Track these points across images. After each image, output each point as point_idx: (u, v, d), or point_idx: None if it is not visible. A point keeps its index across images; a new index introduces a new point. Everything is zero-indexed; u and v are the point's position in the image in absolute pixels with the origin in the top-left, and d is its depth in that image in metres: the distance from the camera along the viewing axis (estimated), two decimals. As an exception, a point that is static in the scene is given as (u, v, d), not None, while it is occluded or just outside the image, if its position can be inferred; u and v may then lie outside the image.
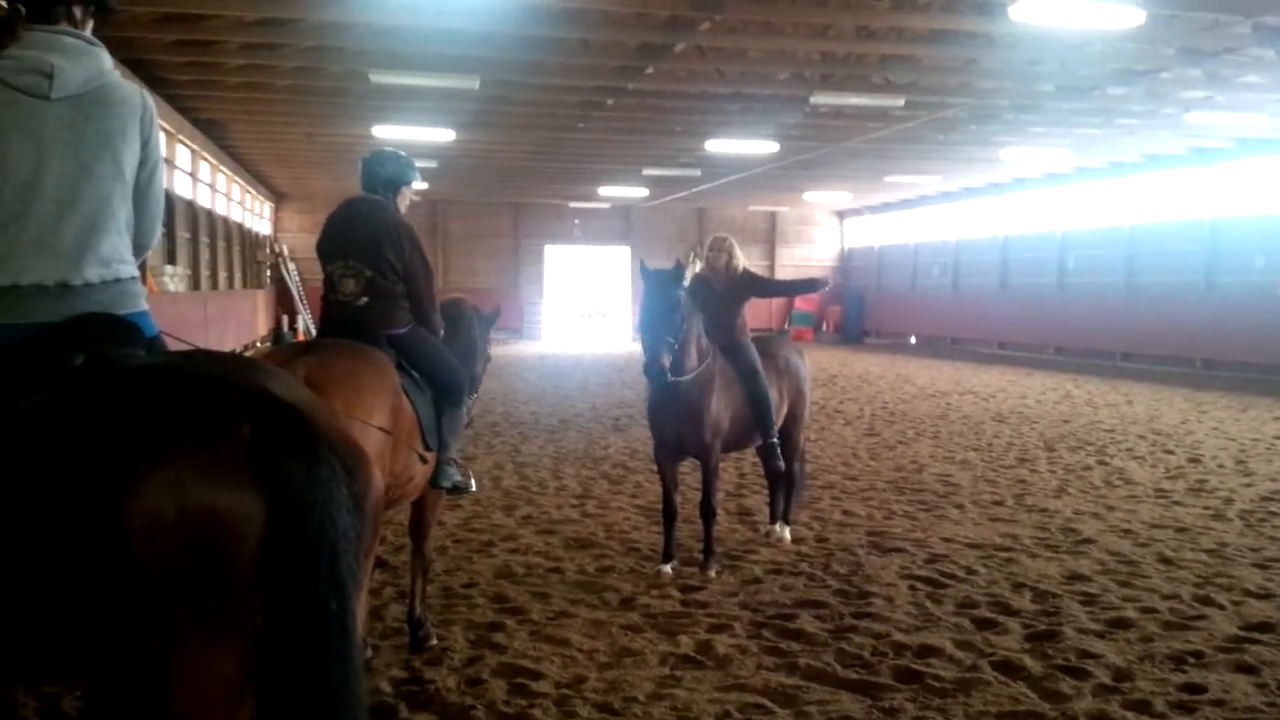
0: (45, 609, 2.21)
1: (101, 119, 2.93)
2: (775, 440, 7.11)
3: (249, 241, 30.45)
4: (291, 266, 33.34)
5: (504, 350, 23.55)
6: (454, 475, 5.05)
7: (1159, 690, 4.60)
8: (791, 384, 7.38)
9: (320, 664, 2.17)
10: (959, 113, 18.52)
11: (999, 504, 8.63)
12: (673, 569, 6.50)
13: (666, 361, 6.24)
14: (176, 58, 15.01)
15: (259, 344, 26.33)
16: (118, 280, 2.96)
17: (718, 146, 21.64)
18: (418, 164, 5.56)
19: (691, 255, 31.59)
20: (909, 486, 9.37)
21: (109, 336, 2.83)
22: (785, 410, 7.32)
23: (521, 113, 19.41)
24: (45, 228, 2.87)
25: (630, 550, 7.06)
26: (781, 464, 7.21)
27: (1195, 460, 10.85)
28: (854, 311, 37.06)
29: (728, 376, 6.79)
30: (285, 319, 31.78)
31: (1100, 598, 5.95)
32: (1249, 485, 9.46)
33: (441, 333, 5.22)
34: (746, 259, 7.58)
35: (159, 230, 3.21)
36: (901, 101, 17.01)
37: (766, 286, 7.90)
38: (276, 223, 35.37)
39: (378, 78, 14.94)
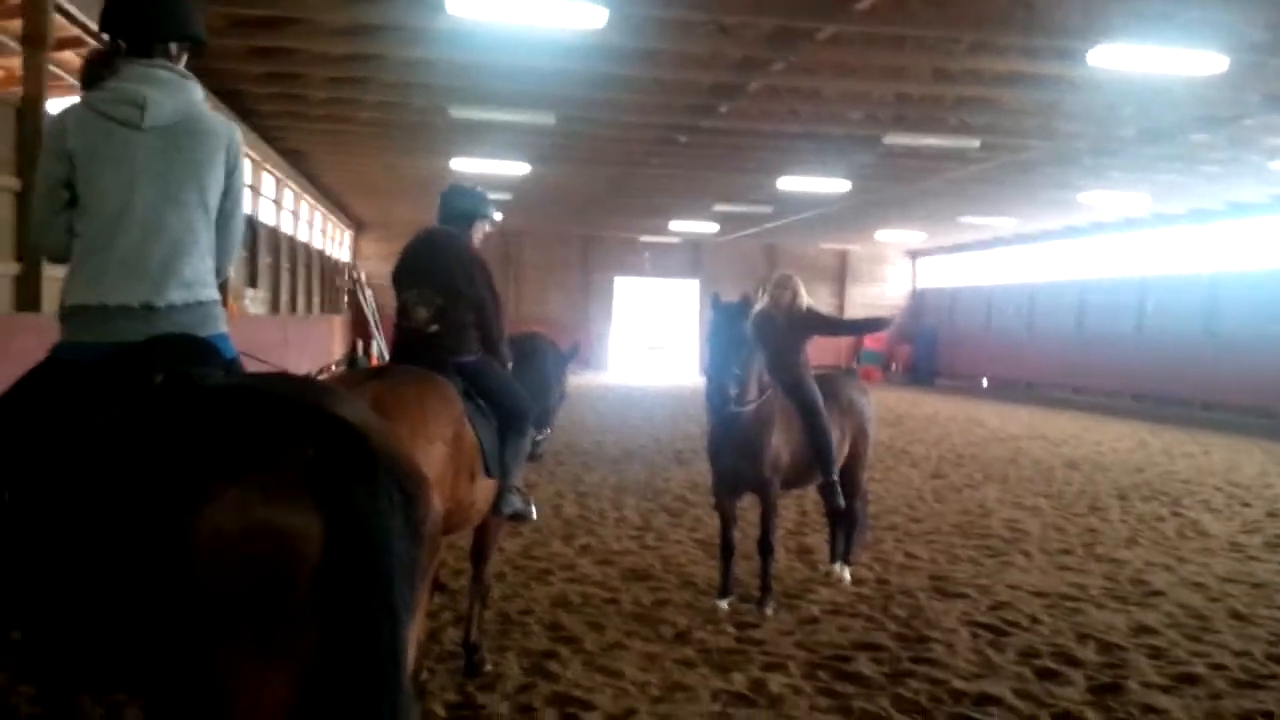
0: (113, 619, 2.30)
1: (190, 149, 3.08)
2: (835, 479, 7.07)
3: (328, 268, 31.15)
4: (368, 292, 33.99)
5: (572, 380, 23.62)
6: (515, 502, 5.13)
7: (1225, 750, 4.47)
8: (854, 423, 7.34)
9: (371, 691, 2.21)
10: (1036, 155, 18.32)
11: (1067, 552, 8.46)
12: (729, 605, 6.49)
13: (732, 392, 6.27)
14: (265, 89, 15.54)
15: (334, 367, 26.86)
16: (200, 303, 3.09)
17: (789, 184, 21.66)
18: (493, 196, 5.75)
19: (760, 290, 31.50)
20: (975, 531, 9.23)
21: (189, 356, 2.96)
22: (847, 449, 7.28)
23: (595, 148, 19.66)
24: (132, 251, 3.01)
25: (687, 584, 7.06)
26: (842, 502, 7.17)
27: (1273, 514, 10.51)
28: (924, 352, 36.60)
29: (788, 413, 6.79)
30: (360, 344, 32.37)
31: (1168, 652, 5.80)
32: (1331, 543, 9.14)
33: (510, 364, 5.31)
34: (816, 297, 7.60)
35: (235, 256, 3.35)
36: (977, 143, 16.89)
37: (830, 325, 7.89)
38: (355, 250, 36.15)
39: (457, 113, 15.30)
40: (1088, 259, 30.28)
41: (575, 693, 4.92)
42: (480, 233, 5.47)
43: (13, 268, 9.10)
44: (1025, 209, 26.18)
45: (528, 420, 5.19)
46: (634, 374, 34.00)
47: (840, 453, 7.14)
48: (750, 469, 6.61)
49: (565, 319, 35.81)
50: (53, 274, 8.98)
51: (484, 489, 4.89)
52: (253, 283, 20.47)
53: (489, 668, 5.18)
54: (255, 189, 20.70)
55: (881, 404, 22.91)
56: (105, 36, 3.25)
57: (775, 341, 6.98)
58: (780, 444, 6.68)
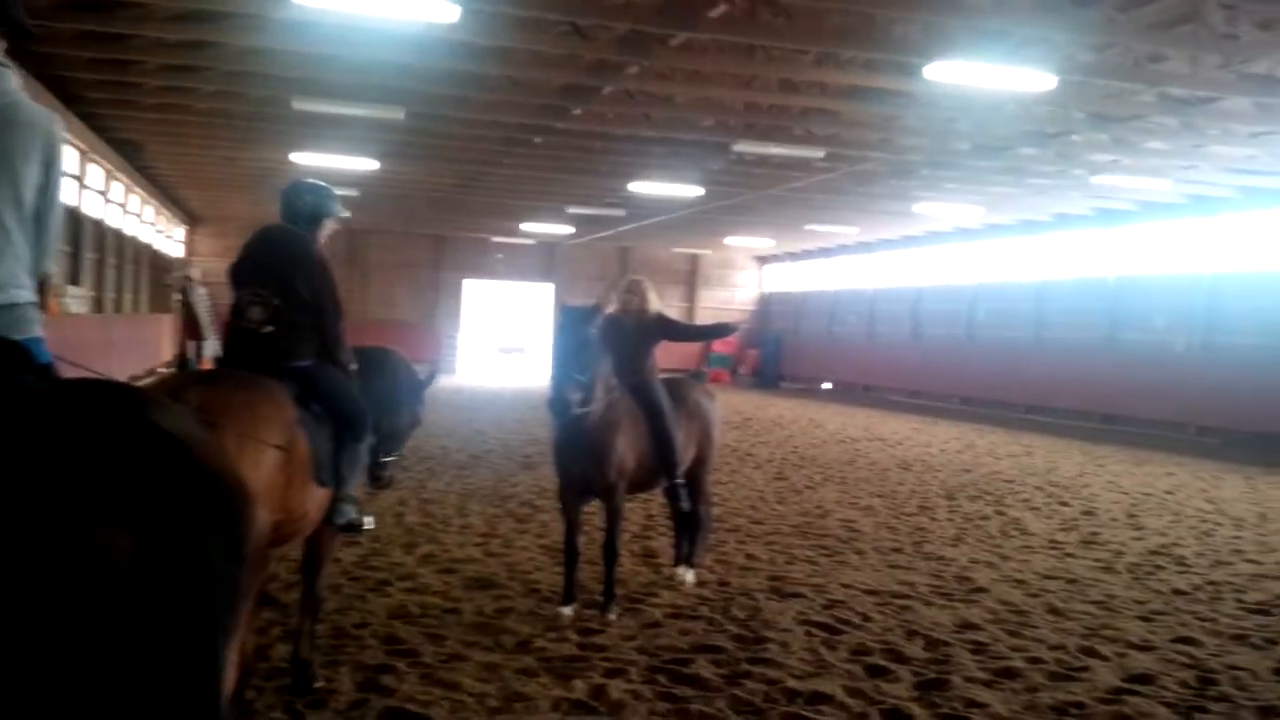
0: None
1: (2, 139, 2.86)
2: (681, 481, 7.13)
3: (159, 264, 29.76)
4: (202, 291, 32.56)
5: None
6: (350, 512, 4.96)
7: (1039, 740, 4.69)
8: (700, 426, 7.41)
9: (185, 710, 2.10)
10: (877, 167, 19.00)
11: (898, 551, 8.76)
12: (572, 611, 6.45)
13: (573, 397, 6.24)
14: (94, 76, 14.73)
15: (162, 369, 25.64)
16: (13, 305, 2.88)
17: (642, 188, 21.85)
18: (340, 192, 5.52)
19: (612, 294, 31.66)
20: (813, 531, 9.47)
21: None
22: (693, 452, 7.35)
23: (446, 145, 19.38)
24: None
25: (531, 591, 7.00)
26: (686, 505, 7.23)
27: (1089, 513, 11.16)
28: (771, 356, 37.50)
29: (634, 417, 6.80)
30: (192, 345, 30.98)
31: (990, 647, 6.06)
32: (1139, 539, 9.75)
33: (352, 369, 5.12)
34: (667, 301, 7.64)
35: (53, 255, 3.13)
36: (822, 153, 17.39)
37: (677, 331, 7.91)
38: (190, 246, 34.66)
39: (300, 105, 14.80)
40: (924, 267, 31.60)
41: (410, 707, 4.79)
42: (326, 232, 5.23)
43: None
44: (866, 218, 27.12)
45: (365, 428, 5.01)
46: (484, 377, 33.64)
47: (685, 456, 7.20)
48: (596, 473, 6.59)
49: (414, 319, 35.20)
50: None
51: (316, 498, 4.71)
52: (75, 280, 19.39)
53: (319, 684, 5.00)
54: (81, 180, 19.60)
55: (729, 407, 23.35)
56: None
57: (622, 345, 6.98)
58: (626, 448, 6.68)
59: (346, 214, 5.50)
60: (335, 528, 4.99)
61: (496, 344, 39.78)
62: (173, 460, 2.20)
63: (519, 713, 4.80)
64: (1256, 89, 12.82)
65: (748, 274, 40.96)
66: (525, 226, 32.12)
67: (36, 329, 2.95)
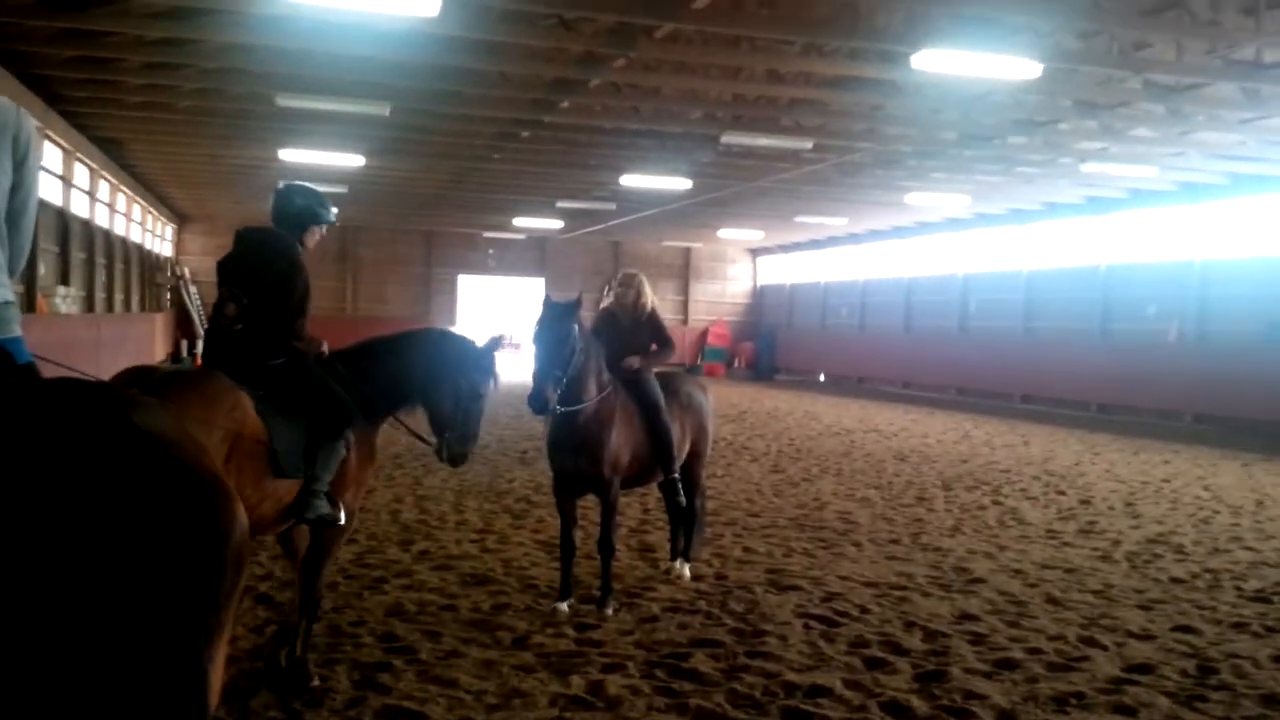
0: None
1: None
2: (677, 476, 7.09)
3: (148, 263, 29.60)
4: (193, 289, 32.49)
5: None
6: (321, 507, 4.91)
7: (1041, 731, 4.66)
8: (694, 420, 7.37)
9: (169, 714, 2.05)
10: (865, 157, 18.98)
11: (895, 542, 8.74)
12: (569, 606, 6.41)
13: (552, 395, 6.18)
14: (75, 74, 14.60)
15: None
16: None
17: (632, 181, 21.78)
18: (327, 189, 5.55)
19: (605, 288, 31.65)
20: (810, 524, 9.43)
21: None
22: (688, 446, 7.31)
23: (434, 141, 19.29)
24: None
25: (528, 587, 6.95)
26: (683, 500, 7.19)
27: (1086, 502, 11.15)
28: (765, 348, 37.50)
29: (629, 411, 6.75)
30: (185, 343, 30.92)
31: (989, 638, 6.03)
32: (1136, 528, 9.74)
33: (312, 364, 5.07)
34: (661, 294, 7.58)
35: (27, 254, 3.07)
36: (810, 144, 17.35)
37: (661, 336, 7.63)
38: (178, 245, 34.49)
39: (284, 101, 14.69)
40: (914, 258, 31.60)
41: (408, 705, 4.75)
42: (315, 238, 5.28)
43: None
44: (855, 209, 27.11)
45: (340, 424, 4.94)
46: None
47: (681, 450, 7.16)
48: (590, 468, 6.54)
49: (406, 316, 35.09)
50: None
51: (276, 490, 4.67)
52: (64, 280, 19.25)
53: (315, 683, 4.95)
54: (67, 180, 19.46)
55: (724, 400, 23.38)
56: None
57: (617, 340, 6.93)
58: (620, 443, 6.64)
59: (333, 219, 5.51)
60: (306, 523, 4.95)
61: (490, 339, 39.64)
62: (152, 460, 2.15)
63: (517, 709, 4.75)
64: (1242, 74, 12.82)
65: (741, 266, 40.93)
66: (516, 221, 32.03)
67: (15, 329, 2.90)
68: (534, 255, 38.28)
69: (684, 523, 7.39)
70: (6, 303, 2.89)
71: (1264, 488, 12.65)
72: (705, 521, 7.94)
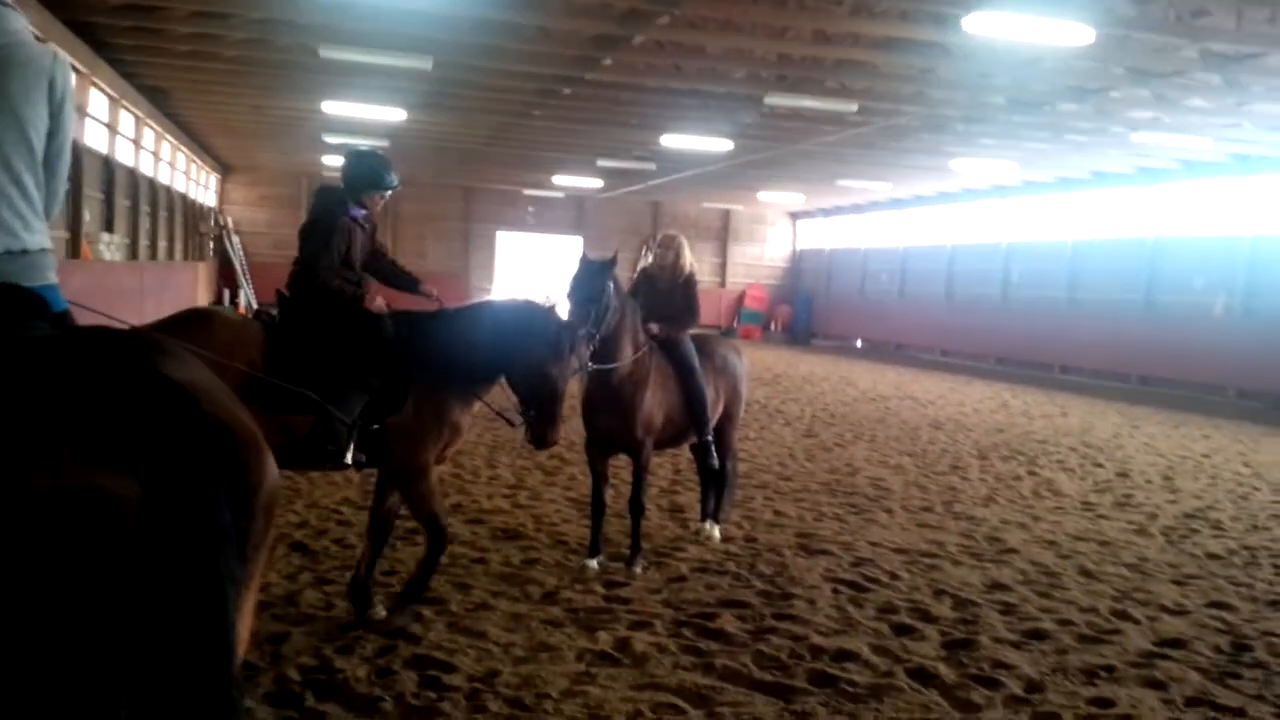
0: None
1: (3, 81, 2.79)
2: (710, 438, 7.08)
3: (192, 212, 29.86)
4: (235, 239, 32.75)
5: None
6: (329, 448, 5.07)
7: (1068, 703, 4.63)
8: (728, 383, 7.35)
9: (193, 664, 2.07)
10: (911, 121, 18.67)
11: (928, 510, 8.70)
12: (598, 564, 6.45)
13: (582, 352, 6.16)
14: (122, 21, 14.64)
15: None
16: (25, 252, 2.84)
17: (673, 141, 21.60)
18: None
19: (643, 249, 31.58)
20: (841, 489, 9.41)
21: (11, 309, 2.72)
22: (721, 409, 7.30)
23: (475, 96, 19.22)
24: None
25: (558, 543, 7.00)
26: (715, 462, 7.19)
27: (1123, 475, 11.03)
28: (802, 313, 37.29)
29: (663, 373, 6.75)
30: (227, 292, 31.26)
31: (1019, 608, 6.00)
32: (1173, 502, 9.62)
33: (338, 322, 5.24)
34: (699, 256, 7.52)
35: (62, 199, 3.09)
36: (855, 107, 17.09)
37: (689, 303, 7.53)
38: (222, 194, 34.75)
39: (327, 53, 14.67)
40: (958, 225, 31.17)
41: (437, 654, 4.81)
42: (376, 201, 5.56)
43: None
44: (899, 173, 26.75)
45: (343, 381, 5.02)
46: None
47: (714, 412, 7.15)
48: (623, 428, 6.55)
49: (445, 271, 35.23)
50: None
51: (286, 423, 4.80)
52: (109, 227, 19.46)
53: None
54: (113, 127, 19.62)
55: (759, 363, 23.29)
56: None
57: (655, 301, 6.92)
58: (654, 404, 6.64)
59: (394, 184, 5.63)
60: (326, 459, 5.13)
61: (528, 296, 39.71)
62: (180, 408, 2.15)
63: (544, 662, 4.80)
64: (1304, 45, 12.44)
65: (780, 229, 40.60)
66: (556, 179, 31.94)
67: (51, 275, 2.91)
68: (572, 214, 38.19)
69: (715, 484, 7.40)
70: (42, 249, 2.91)
71: (1307, 467, 12.46)
72: (736, 484, 7.95)
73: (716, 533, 7.30)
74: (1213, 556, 7.55)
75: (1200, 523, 8.72)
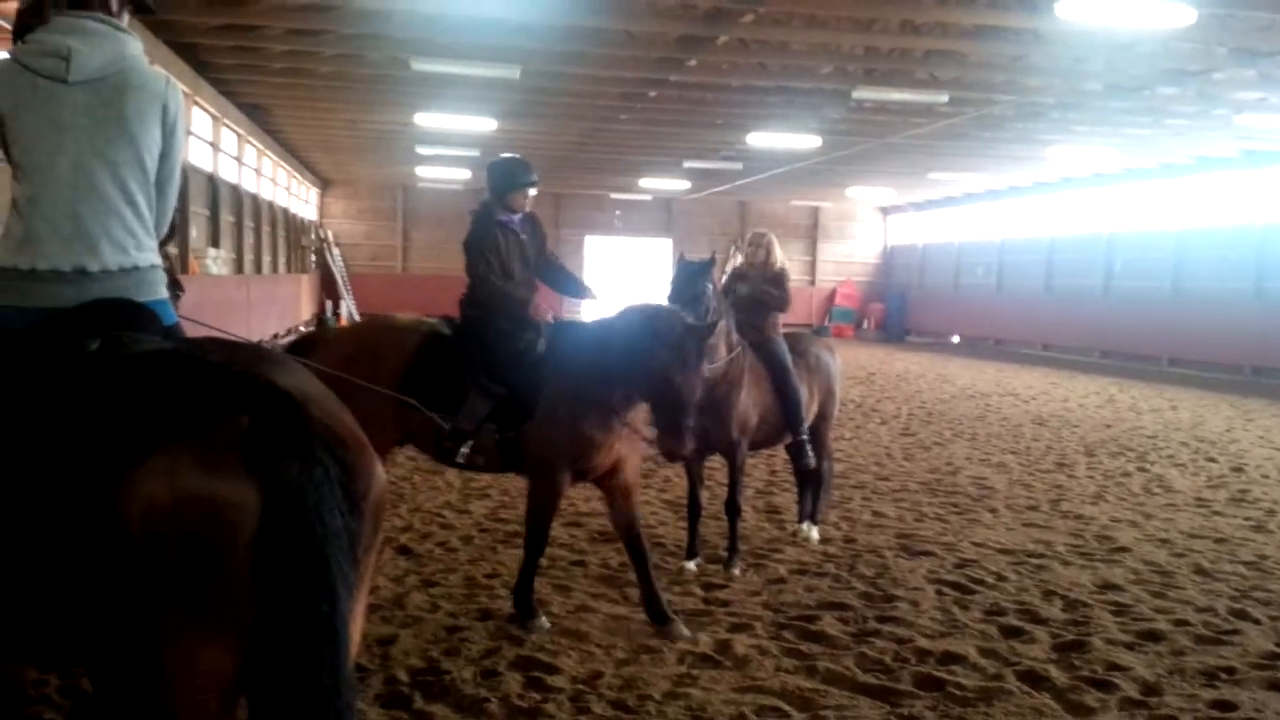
0: (49, 592, 2.21)
1: (120, 104, 2.91)
2: (805, 438, 7.03)
3: (294, 226, 30.72)
4: (336, 252, 33.60)
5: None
6: (448, 449, 5.35)
7: (1188, 706, 4.48)
8: (822, 382, 7.28)
9: (308, 667, 2.13)
10: (1004, 110, 18.25)
11: (1034, 509, 8.49)
12: (696, 566, 6.45)
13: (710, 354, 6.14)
14: (222, 42, 15.16)
15: (301, 328, 26.59)
16: (136, 268, 2.96)
17: (759, 140, 21.50)
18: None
19: (732, 249, 31.47)
20: (942, 489, 9.24)
21: (125, 322, 2.84)
22: (815, 408, 7.24)
23: (563, 103, 19.40)
24: (62, 213, 2.87)
25: (655, 545, 6.99)
26: (811, 462, 7.13)
27: (1238, 469, 10.61)
28: (895, 309, 36.73)
29: (757, 373, 6.72)
30: (329, 304, 32.11)
31: (1132, 608, 5.82)
32: (1293, 497, 9.24)
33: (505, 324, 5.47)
34: (788, 254, 7.48)
35: (170, 221, 3.22)
36: (946, 98, 16.80)
37: (783, 290, 7.52)
38: (322, 208, 35.67)
39: (419, 65, 14.99)
40: (1056, 215, 30.36)
41: (540, 656, 4.87)
42: (520, 199, 5.72)
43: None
44: (994, 164, 26.18)
45: (478, 380, 5.29)
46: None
47: (808, 412, 7.09)
48: (718, 430, 6.54)
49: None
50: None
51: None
52: (215, 242, 20.13)
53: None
54: (216, 145, 20.30)
55: (853, 362, 23.02)
56: None
57: (747, 299, 6.90)
58: (749, 405, 6.62)
59: (532, 179, 5.74)
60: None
61: (618, 300, 39.89)
62: (289, 415, 2.22)
63: (645, 664, 4.82)
64: None
65: (870, 225, 40.06)
66: (643, 182, 32.04)
67: (162, 290, 3.03)
68: (660, 216, 38.24)
69: (811, 485, 7.34)
70: (153, 265, 3.02)
71: None
72: (832, 484, 7.87)
73: (815, 534, 7.24)
74: (1338, 554, 7.22)
75: (1324, 519, 8.35)
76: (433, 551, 6.68)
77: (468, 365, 5.31)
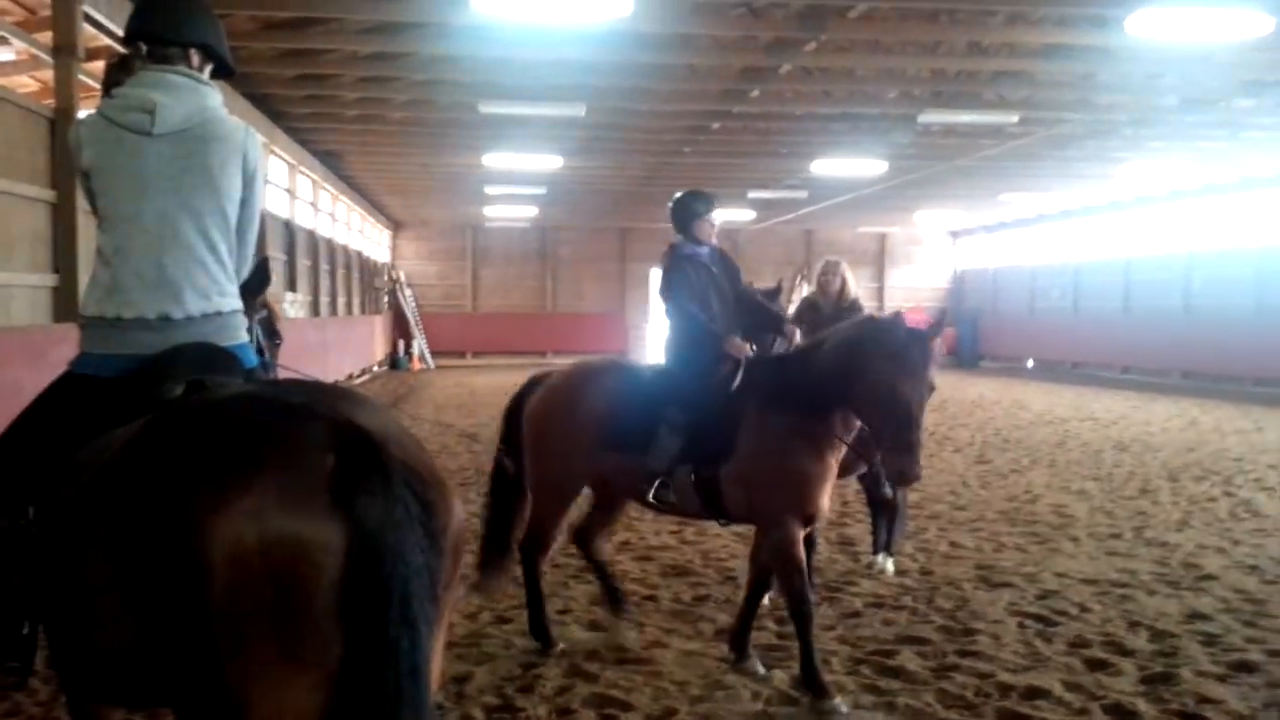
0: (137, 631, 2.27)
1: (203, 154, 3.03)
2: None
3: (367, 269, 31.35)
4: (408, 292, 34.19)
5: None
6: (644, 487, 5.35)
7: (1286, 742, 4.31)
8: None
9: (390, 703, 2.16)
10: (1075, 129, 17.96)
11: (1116, 537, 8.27)
12: (770, 600, 6.39)
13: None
14: (297, 91, 15.61)
15: (376, 368, 27.07)
16: (219, 314, 3.06)
17: (824, 168, 21.43)
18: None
19: (799, 277, 31.31)
20: (1021, 518, 9.05)
21: (208, 366, 2.93)
22: (888, 437, 7.13)
23: (628, 138, 19.57)
24: (147, 261, 2.99)
25: (727, 579, 6.98)
26: (887, 492, 7.05)
27: (1333, 492, 10.23)
28: (968, 334, 36.14)
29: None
30: (401, 344, 32.65)
31: (1222, 639, 5.63)
32: (1393, 520, 8.86)
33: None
34: (857, 281, 7.47)
35: (250, 266, 3.32)
36: (1015, 118, 16.59)
37: None
38: (394, 250, 36.36)
39: (487, 108, 15.28)
40: (1133, 234, 29.68)
41: (614, 693, 4.86)
42: (703, 229, 5.76)
43: (50, 279, 9.20)
44: (1066, 183, 25.73)
45: (657, 434, 5.22)
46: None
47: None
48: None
49: (602, 311, 35.85)
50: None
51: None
52: (292, 286, 20.61)
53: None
54: (291, 192, 20.84)
55: (924, 387, 22.53)
56: (131, 44, 3.23)
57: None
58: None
59: (707, 207, 5.74)
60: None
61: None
62: (369, 456, 2.26)
63: (720, 701, 4.79)
64: None
65: (939, 250, 39.58)
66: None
67: (243, 335, 3.13)
68: (727, 247, 37.77)
69: (885, 515, 7.25)
70: (234, 310, 3.13)
71: None
72: (907, 514, 7.75)
73: (890, 565, 7.14)
74: None
75: None
76: (505, 587, 6.71)
77: (660, 402, 5.24)
